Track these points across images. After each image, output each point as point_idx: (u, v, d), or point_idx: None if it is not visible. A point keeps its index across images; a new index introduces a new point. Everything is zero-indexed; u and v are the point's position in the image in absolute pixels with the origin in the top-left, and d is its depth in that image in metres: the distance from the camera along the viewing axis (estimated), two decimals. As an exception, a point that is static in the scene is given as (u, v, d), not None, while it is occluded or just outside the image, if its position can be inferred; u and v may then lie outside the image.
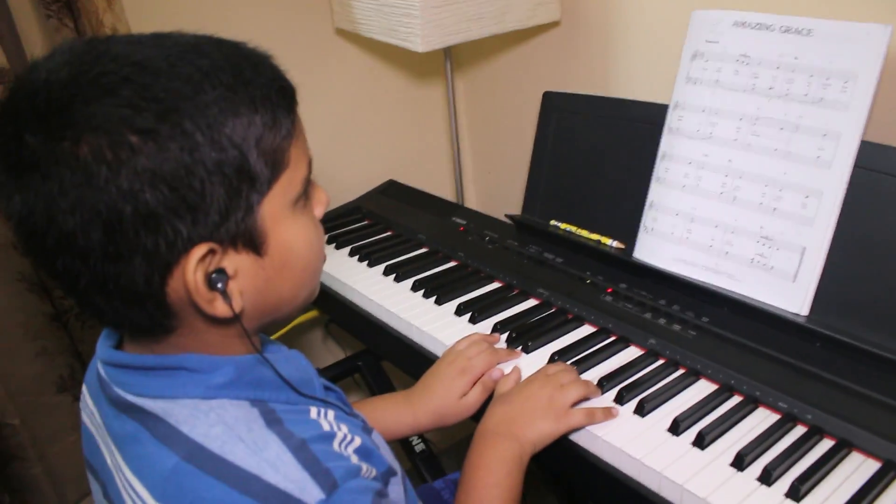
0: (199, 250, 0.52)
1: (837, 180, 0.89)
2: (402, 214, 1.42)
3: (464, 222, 1.35)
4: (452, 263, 1.24)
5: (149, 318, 0.55)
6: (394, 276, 1.20)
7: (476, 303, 1.10)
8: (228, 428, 0.55)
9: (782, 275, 0.94)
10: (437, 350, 1.02)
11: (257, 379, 0.59)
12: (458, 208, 1.43)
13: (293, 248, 0.59)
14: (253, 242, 0.56)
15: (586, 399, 0.87)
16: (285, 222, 0.57)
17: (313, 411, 0.60)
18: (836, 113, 0.89)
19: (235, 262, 0.55)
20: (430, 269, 1.22)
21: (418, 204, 1.46)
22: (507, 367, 0.94)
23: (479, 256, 1.22)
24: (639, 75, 1.29)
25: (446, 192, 1.70)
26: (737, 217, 0.98)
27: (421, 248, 1.30)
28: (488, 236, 1.29)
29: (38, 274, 1.22)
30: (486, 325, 1.05)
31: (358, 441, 0.60)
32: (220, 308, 0.55)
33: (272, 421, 0.56)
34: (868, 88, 0.87)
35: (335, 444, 0.58)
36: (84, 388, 0.69)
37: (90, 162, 0.48)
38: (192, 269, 0.53)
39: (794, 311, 0.94)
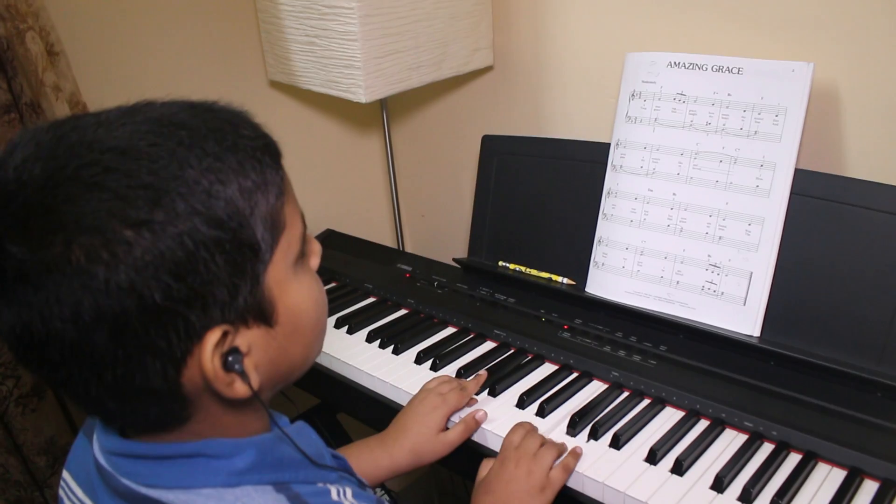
0: (213, 335, 0.49)
1: (777, 207, 0.95)
2: (344, 264, 1.40)
3: (409, 268, 1.34)
4: (404, 311, 1.23)
5: (164, 412, 0.52)
6: (346, 328, 1.18)
7: (435, 349, 1.09)
8: None
9: (732, 299, 0.99)
10: (402, 399, 1.01)
11: (278, 459, 0.56)
12: (401, 255, 1.42)
13: (302, 310, 0.56)
14: (263, 314, 0.53)
15: (559, 457, 0.86)
16: (290, 285, 0.55)
17: (333, 492, 0.57)
18: (770, 144, 0.95)
19: (248, 337, 0.52)
20: (382, 319, 1.20)
21: (360, 253, 1.44)
22: (489, 409, 0.94)
23: (430, 302, 1.22)
24: (570, 116, 1.34)
25: (385, 240, 1.69)
26: (685, 248, 1.02)
27: (369, 297, 1.28)
28: (437, 281, 1.28)
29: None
30: (449, 371, 1.05)
31: None
32: (240, 389, 0.52)
33: None
34: (797, 120, 0.93)
35: None
36: (67, 477, 0.64)
37: (85, 265, 0.45)
38: (209, 356, 0.49)
39: (747, 332, 0.98)
